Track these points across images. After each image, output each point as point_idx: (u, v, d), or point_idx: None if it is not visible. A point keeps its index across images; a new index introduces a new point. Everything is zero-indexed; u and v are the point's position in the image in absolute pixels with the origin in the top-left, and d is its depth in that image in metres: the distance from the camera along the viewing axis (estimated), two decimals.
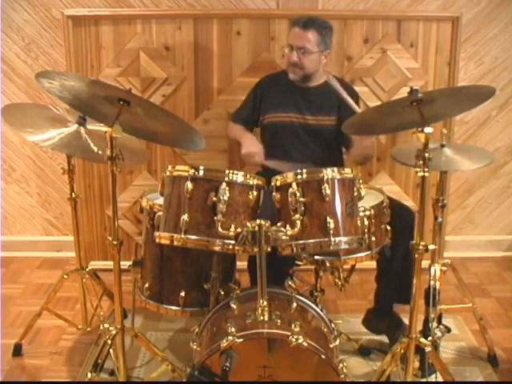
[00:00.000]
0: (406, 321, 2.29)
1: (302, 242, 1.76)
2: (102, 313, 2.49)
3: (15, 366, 2.31)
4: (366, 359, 2.32)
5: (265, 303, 1.75)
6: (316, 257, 2.10)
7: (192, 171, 1.80)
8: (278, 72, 2.71)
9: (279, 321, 1.72)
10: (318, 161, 2.40)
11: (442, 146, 2.23)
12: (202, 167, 1.80)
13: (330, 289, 2.57)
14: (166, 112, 1.94)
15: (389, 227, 2.12)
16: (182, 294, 2.04)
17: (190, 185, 1.78)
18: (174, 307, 2.07)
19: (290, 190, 1.76)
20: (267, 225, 1.72)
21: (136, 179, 3.14)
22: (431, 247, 1.83)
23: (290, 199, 1.76)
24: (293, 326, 1.67)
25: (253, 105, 2.62)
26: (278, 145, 2.52)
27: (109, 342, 1.95)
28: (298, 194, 1.75)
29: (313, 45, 2.39)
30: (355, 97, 2.61)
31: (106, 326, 1.99)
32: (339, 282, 2.22)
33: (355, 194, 1.83)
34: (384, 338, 2.40)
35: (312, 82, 2.52)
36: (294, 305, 1.84)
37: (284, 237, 1.74)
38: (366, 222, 1.95)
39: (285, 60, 2.50)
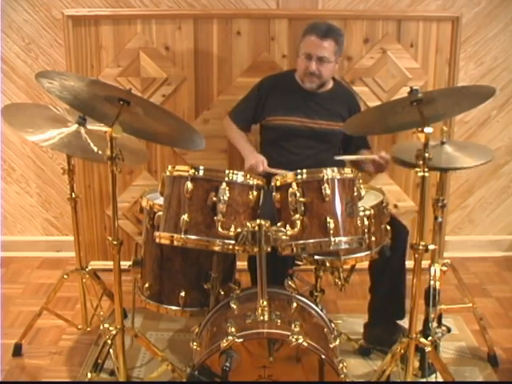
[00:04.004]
0: (402, 323, 2.31)
1: (302, 242, 1.76)
2: (102, 313, 2.49)
3: (15, 365, 2.31)
4: (366, 359, 2.31)
5: (265, 303, 1.76)
6: (316, 257, 2.10)
7: (192, 171, 1.80)
8: (281, 73, 2.71)
9: (279, 321, 1.72)
10: (322, 165, 2.39)
11: (443, 143, 2.23)
12: (201, 167, 1.80)
13: (330, 289, 2.57)
14: (166, 112, 1.94)
15: (389, 227, 2.12)
16: (182, 294, 2.04)
17: (189, 185, 1.78)
18: (174, 307, 2.07)
19: (290, 190, 1.76)
20: (267, 225, 1.72)
21: (136, 179, 3.14)
22: (431, 247, 1.83)
23: (290, 199, 1.76)
24: (293, 326, 1.67)
25: (255, 105, 2.59)
26: (283, 147, 2.52)
27: (109, 341, 1.95)
28: (298, 194, 1.75)
29: (331, 54, 2.39)
30: (355, 99, 2.62)
31: (106, 325, 1.99)
32: (339, 282, 2.22)
33: (355, 193, 1.83)
34: None
35: (323, 87, 2.52)
36: (294, 305, 1.84)
37: (284, 237, 1.74)
38: (366, 222, 1.94)
39: (300, 68, 2.46)
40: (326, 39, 2.37)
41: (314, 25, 2.43)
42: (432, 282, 2.18)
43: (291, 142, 2.50)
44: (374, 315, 2.40)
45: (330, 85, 2.56)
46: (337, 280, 2.22)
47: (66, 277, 2.42)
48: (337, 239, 1.75)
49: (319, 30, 2.37)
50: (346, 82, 2.88)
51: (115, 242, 1.88)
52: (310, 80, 2.44)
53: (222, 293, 2.05)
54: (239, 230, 1.73)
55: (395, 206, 3.13)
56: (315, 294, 2.25)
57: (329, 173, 1.77)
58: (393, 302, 2.33)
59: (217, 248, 1.79)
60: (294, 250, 1.78)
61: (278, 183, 1.82)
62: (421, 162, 1.76)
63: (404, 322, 2.24)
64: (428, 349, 1.90)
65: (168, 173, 1.88)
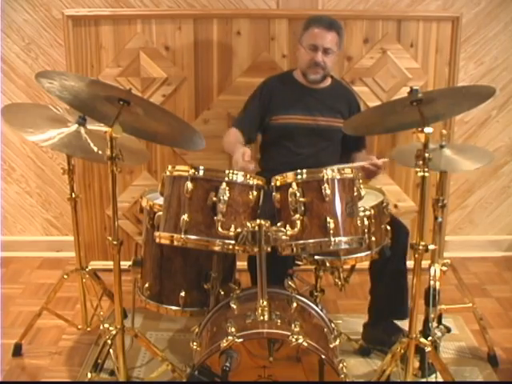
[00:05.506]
0: (402, 324, 2.30)
1: (301, 242, 1.76)
2: (102, 313, 2.49)
3: (15, 365, 2.31)
4: (366, 359, 2.31)
5: (265, 303, 1.75)
6: (316, 257, 2.10)
7: (192, 171, 1.79)
8: (282, 73, 2.70)
9: (279, 321, 1.72)
10: (324, 162, 2.39)
11: (442, 146, 2.23)
12: (201, 167, 1.80)
13: (330, 289, 2.57)
14: (165, 112, 1.94)
15: (389, 227, 2.12)
16: (182, 294, 2.04)
17: (189, 185, 1.78)
18: (173, 307, 2.07)
19: (290, 189, 1.76)
20: (267, 225, 1.72)
21: (136, 179, 3.14)
22: (431, 247, 1.83)
23: (290, 199, 1.76)
24: (293, 326, 1.67)
25: (259, 107, 2.52)
26: (284, 147, 2.50)
27: (109, 341, 1.95)
28: (298, 194, 1.75)
29: (335, 46, 2.41)
30: (354, 97, 2.62)
31: (106, 325, 1.99)
32: (339, 282, 2.23)
33: (355, 193, 1.82)
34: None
35: (323, 82, 2.52)
36: (294, 305, 1.84)
37: (284, 237, 1.74)
38: (366, 222, 1.94)
39: (304, 60, 2.43)
40: (331, 31, 2.39)
41: (316, 17, 2.45)
42: (432, 282, 2.18)
43: (292, 140, 2.49)
44: (374, 316, 2.40)
45: (329, 81, 2.56)
46: (337, 280, 2.23)
47: (66, 277, 2.42)
48: (337, 239, 1.75)
49: (324, 22, 2.39)
50: (345, 82, 2.88)
51: (115, 242, 1.88)
52: (314, 71, 2.43)
53: (222, 293, 2.05)
54: (239, 229, 1.73)
55: (395, 206, 3.13)
56: (315, 293, 2.25)
57: (329, 173, 1.77)
58: (393, 303, 2.33)
59: (217, 248, 1.79)
60: (294, 250, 1.77)
61: (278, 183, 1.82)
62: (421, 162, 1.76)
63: (404, 323, 2.23)
64: (428, 349, 1.90)
65: (168, 173, 1.88)
